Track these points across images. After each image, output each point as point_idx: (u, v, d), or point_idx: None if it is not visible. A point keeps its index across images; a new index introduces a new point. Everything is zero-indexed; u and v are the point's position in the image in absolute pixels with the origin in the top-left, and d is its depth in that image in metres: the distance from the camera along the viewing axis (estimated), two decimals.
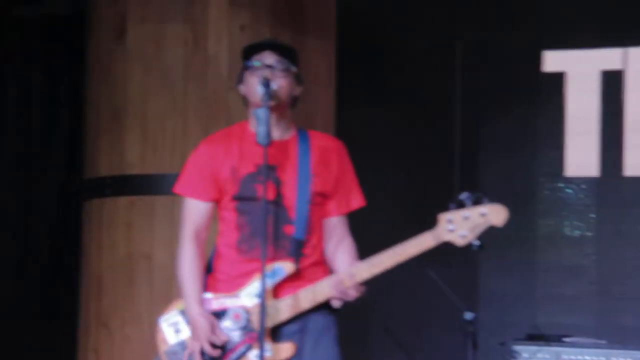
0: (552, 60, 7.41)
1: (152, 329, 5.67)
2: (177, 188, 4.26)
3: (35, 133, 7.49)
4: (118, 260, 5.86)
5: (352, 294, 4.01)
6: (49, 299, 7.47)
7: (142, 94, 5.83)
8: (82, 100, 6.42)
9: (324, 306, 4.10)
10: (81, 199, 6.21)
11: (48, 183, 7.52)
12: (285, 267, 4.06)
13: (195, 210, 4.20)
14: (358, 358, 4.98)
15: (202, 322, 4.05)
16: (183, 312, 4.17)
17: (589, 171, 7.35)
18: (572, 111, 7.36)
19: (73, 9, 7.22)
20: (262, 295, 3.89)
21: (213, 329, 4.04)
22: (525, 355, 6.14)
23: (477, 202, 3.97)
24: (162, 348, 4.20)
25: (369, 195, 4.30)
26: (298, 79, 4.18)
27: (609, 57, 7.29)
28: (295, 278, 4.08)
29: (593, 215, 7.38)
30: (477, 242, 4.00)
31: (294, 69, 4.15)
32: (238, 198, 4.12)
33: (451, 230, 3.97)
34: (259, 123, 3.97)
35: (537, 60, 7.39)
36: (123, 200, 5.86)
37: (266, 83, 4.00)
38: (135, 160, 5.84)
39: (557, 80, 7.36)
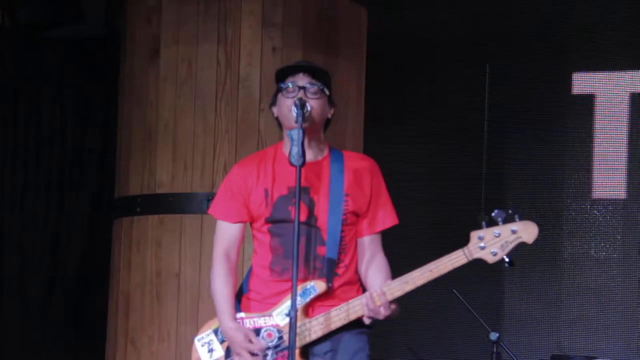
0: (582, 82, 7.41)
1: (179, 346, 5.77)
2: (210, 209, 4.31)
3: (68, 153, 7.53)
4: (147, 278, 5.91)
5: (384, 313, 4.04)
6: (78, 316, 7.49)
7: (174, 114, 5.89)
8: (114, 120, 6.47)
9: (356, 325, 4.13)
10: (112, 217, 6.26)
11: (79, 202, 7.55)
12: (318, 286, 4.09)
13: (225, 232, 4.25)
14: None
15: (237, 335, 4.08)
16: (216, 332, 4.21)
17: (616, 193, 7.35)
18: (601, 133, 7.35)
19: (107, 30, 7.27)
20: (293, 315, 3.90)
21: (249, 340, 4.07)
22: None
23: (508, 219, 4.01)
24: None
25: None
26: (331, 101, 4.22)
27: (639, 80, 7.28)
28: (327, 297, 4.12)
29: (619, 237, 7.36)
30: (508, 259, 4.03)
31: (327, 91, 4.19)
32: (271, 221, 4.17)
33: (482, 248, 4.02)
34: (292, 144, 3.99)
35: (567, 82, 7.39)
36: (153, 219, 5.92)
37: (301, 104, 4.03)
38: (165, 179, 5.89)
39: (586, 102, 7.36)
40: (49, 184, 7.54)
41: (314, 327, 4.08)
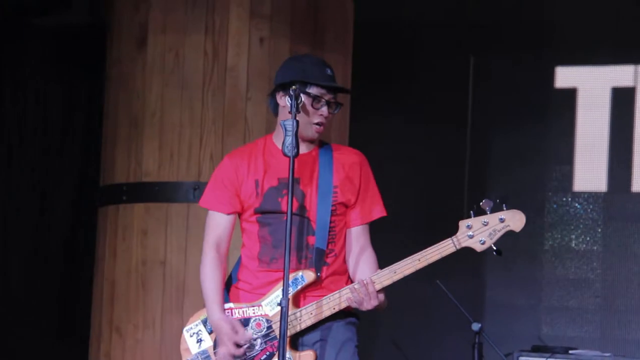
0: (565, 76, 7.46)
1: (164, 334, 5.78)
2: (202, 201, 4.33)
3: (51, 141, 7.53)
4: (132, 266, 5.92)
5: (373, 302, 4.08)
6: (61, 303, 7.50)
7: (161, 103, 5.89)
8: (98, 108, 6.47)
9: (345, 315, 4.18)
10: (97, 205, 6.26)
11: (62, 190, 7.55)
12: (307, 276, 4.13)
13: (216, 223, 4.27)
14: None
15: (224, 326, 4.11)
16: (205, 322, 4.24)
17: (598, 186, 7.40)
18: (583, 127, 7.41)
19: (92, 18, 7.26)
20: (285, 304, 3.92)
21: (236, 330, 4.10)
22: None
23: (496, 208, 4.06)
24: (185, 357, 4.26)
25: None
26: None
27: (621, 74, 7.34)
28: (316, 287, 4.16)
29: (600, 230, 7.42)
30: (495, 248, 4.09)
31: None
32: (260, 211, 4.21)
33: (470, 236, 4.08)
34: (286, 134, 4.01)
35: (550, 76, 7.44)
36: (138, 207, 5.92)
37: (295, 95, 4.04)
38: (152, 168, 5.89)
39: (568, 96, 7.41)
40: (32, 172, 7.54)
41: (304, 317, 4.11)
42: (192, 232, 5.79)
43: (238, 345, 4.10)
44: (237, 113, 5.81)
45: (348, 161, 4.28)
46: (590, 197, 7.42)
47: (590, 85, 7.39)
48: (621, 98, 7.32)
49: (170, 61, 5.88)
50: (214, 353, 4.20)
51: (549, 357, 6.20)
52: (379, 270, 4.13)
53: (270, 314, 4.15)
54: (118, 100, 6.08)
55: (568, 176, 7.43)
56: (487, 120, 7.56)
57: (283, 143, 4.01)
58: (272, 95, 4.29)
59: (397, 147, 7.42)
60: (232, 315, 4.17)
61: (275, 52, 5.77)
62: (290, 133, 3.99)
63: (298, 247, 4.14)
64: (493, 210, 4.06)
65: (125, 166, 5.99)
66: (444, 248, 4.07)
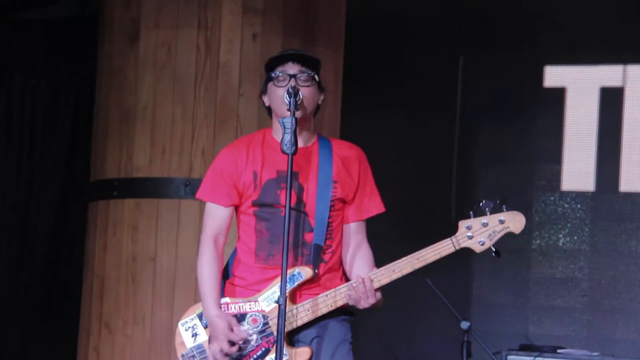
0: (553, 76, 7.49)
1: (154, 330, 5.77)
2: (199, 193, 4.29)
3: (38, 136, 7.50)
4: (122, 262, 5.91)
5: (370, 300, 4.08)
6: (49, 299, 7.47)
7: (153, 98, 5.89)
8: (87, 103, 6.45)
9: (341, 312, 4.18)
10: (86, 200, 6.25)
11: (48, 186, 7.52)
12: (304, 272, 4.12)
13: (215, 215, 4.24)
14: None
15: (220, 323, 4.09)
16: (200, 317, 4.22)
17: (585, 186, 7.43)
18: (571, 126, 7.43)
19: (82, 11, 7.24)
20: (282, 302, 3.92)
21: (231, 328, 4.09)
22: None
23: (495, 209, 4.07)
24: (180, 351, 4.23)
25: None
26: (320, 87, 4.24)
27: (609, 74, 7.37)
28: (313, 284, 4.15)
29: (587, 229, 7.44)
30: (495, 249, 4.09)
31: (317, 77, 4.21)
32: (258, 204, 4.18)
33: (470, 237, 4.08)
34: (285, 131, 4.00)
35: (538, 75, 7.46)
36: (129, 203, 5.92)
37: (294, 93, 4.04)
38: (143, 163, 5.89)
39: (557, 95, 7.44)
40: (19, 166, 7.51)
41: (300, 314, 4.10)
42: (183, 228, 5.79)
43: (232, 343, 4.09)
44: (229, 108, 5.82)
45: (347, 156, 4.26)
46: (578, 196, 7.44)
47: (579, 85, 7.41)
48: (610, 98, 7.34)
49: (162, 56, 5.88)
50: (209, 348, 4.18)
51: (537, 356, 6.21)
52: (377, 269, 4.12)
53: (267, 309, 4.13)
54: (109, 95, 6.07)
55: (556, 175, 7.45)
56: (476, 118, 7.57)
57: (282, 140, 4.00)
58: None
59: (383, 142, 7.41)
60: (228, 309, 4.16)
61: (267, 48, 5.77)
62: (289, 130, 3.98)
63: (295, 243, 4.12)
64: (493, 212, 4.06)
65: (116, 161, 5.98)
66: (443, 248, 4.07)
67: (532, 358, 6.22)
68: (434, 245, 4.07)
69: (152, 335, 5.80)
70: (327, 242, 4.17)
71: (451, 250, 4.08)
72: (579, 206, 7.45)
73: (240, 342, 4.09)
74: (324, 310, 4.11)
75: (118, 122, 5.99)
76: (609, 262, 7.35)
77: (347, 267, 4.25)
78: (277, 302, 3.94)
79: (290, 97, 4.03)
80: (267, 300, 4.13)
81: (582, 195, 7.45)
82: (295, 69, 4.16)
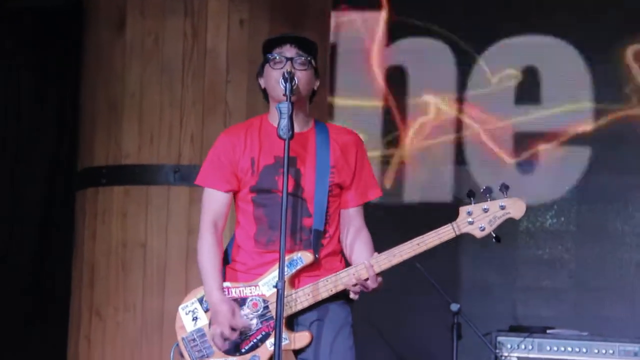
0: None
1: (144, 316, 5.78)
2: (197, 179, 4.28)
3: (24, 124, 7.47)
4: (112, 249, 5.91)
5: (371, 285, 4.09)
6: (35, 288, 7.45)
7: (140, 86, 5.88)
8: (73, 92, 6.44)
9: (341, 296, 4.18)
10: (75, 188, 6.25)
11: (34, 175, 7.50)
12: (305, 257, 4.13)
13: (214, 200, 4.23)
14: None
15: (223, 307, 4.09)
16: (201, 301, 4.21)
17: None
18: None
19: (67, 1, 7.20)
20: (281, 286, 3.93)
21: (234, 314, 4.09)
22: (508, 346, 6.23)
23: (497, 195, 4.08)
24: (180, 335, 4.23)
25: None
26: (317, 72, 4.23)
27: None
28: (313, 268, 4.15)
29: (574, 210, 7.48)
30: (495, 235, 4.11)
31: (314, 62, 4.20)
32: (256, 190, 4.18)
33: (470, 223, 4.09)
34: (281, 116, 3.99)
35: None
36: (118, 190, 5.92)
37: (290, 77, 4.03)
38: (131, 150, 5.89)
39: None
40: (4, 155, 7.50)
41: (300, 298, 4.11)
42: (172, 214, 5.80)
43: (233, 329, 4.09)
44: (217, 95, 5.81)
45: (344, 141, 4.25)
46: None
47: None
48: None
49: (149, 44, 5.87)
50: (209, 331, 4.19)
51: (527, 336, 6.23)
52: (378, 254, 4.13)
53: (267, 294, 4.14)
54: (97, 84, 6.06)
55: None
56: None
57: (278, 125, 3.99)
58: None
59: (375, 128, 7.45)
60: (229, 293, 4.16)
61: (255, 34, 5.77)
62: (285, 116, 3.97)
63: (293, 228, 4.12)
64: (494, 198, 4.08)
65: (105, 149, 5.98)
66: (443, 233, 4.08)
67: (522, 339, 6.24)
68: (435, 230, 4.08)
69: (143, 322, 5.81)
70: (326, 227, 4.17)
71: (452, 235, 4.08)
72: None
73: (241, 329, 4.10)
74: (324, 294, 4.11)
75: (106, 110, 5.98)
76: (595, 243, 7.38)
77: (347, 252, 4.26)
78: (275, 286, 3.95)
79: (286, 82, 4.02)
80: (267, 285, 4.14)
81: None
82: (292, 52, 4.15)
